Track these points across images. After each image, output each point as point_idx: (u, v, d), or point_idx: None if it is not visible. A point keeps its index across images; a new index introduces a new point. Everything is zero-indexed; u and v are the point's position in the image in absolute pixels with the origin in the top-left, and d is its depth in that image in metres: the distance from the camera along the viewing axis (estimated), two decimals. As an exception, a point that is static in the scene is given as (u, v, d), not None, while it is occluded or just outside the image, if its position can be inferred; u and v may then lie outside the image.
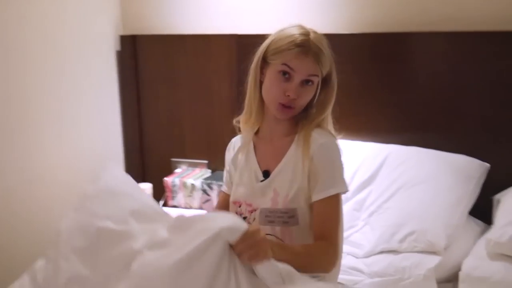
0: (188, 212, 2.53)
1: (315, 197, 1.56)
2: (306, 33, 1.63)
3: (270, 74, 1.64)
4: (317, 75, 1.61)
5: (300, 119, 1.67)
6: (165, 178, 2.65)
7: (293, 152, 1.64)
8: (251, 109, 1.74)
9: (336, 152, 1.63)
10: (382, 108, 2.42)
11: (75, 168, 2.57)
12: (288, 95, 1.58)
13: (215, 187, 2.54)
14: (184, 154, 2.83)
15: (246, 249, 1.32)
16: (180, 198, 2.63)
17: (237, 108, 2.66)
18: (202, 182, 2.57)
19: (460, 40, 2.28)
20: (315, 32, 1.65)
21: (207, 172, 2.72)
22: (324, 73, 1.64)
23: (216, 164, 2.77)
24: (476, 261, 1.87)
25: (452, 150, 2.27)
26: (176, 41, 2.74)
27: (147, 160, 2.92)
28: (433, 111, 2.35)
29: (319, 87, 1.64)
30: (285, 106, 1.61)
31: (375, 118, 2.46)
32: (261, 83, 1.70)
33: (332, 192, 1.56)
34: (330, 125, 1.70)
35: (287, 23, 2.48)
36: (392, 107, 2.41)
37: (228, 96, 2.68)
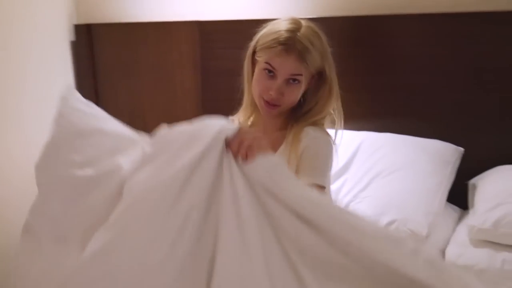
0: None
1: None
2: (293, 29, 1.59)
3: (257, 71, 1.64)
4: (301, 74, 1.59)
5: (293, 114, 1.66)
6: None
7: (283, 150, 1.61)
8: (245, 103, 1.75)
9: (325, 148, 1.60)
10: (355, 94, 2.33)
11: (26, 167, 2.39)
12: (271, 93, 1.59)
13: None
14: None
15: (243, 144, 1.22)
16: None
17: (202, 99, 2.57)
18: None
19: (434, 23, 2.22)
20: (308, 27, 1.62)
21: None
22: (313, 70, 1.62)
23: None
24: (460, 249, 1.83)
25: (426, 135, 2.23)
26: (135, 30, 2.60)
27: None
28: (407, 96, 2.30)
29: (310, 83, 1.64)
30: (270, 104, 1.61)
31: (348, 104, 2.35)
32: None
33: (307, 181, 1.47)
34: (327, 124, 1.68)
35: (252, 9, 2.40)
36: (365, 92, 2.34)
37: (192, 87, 2.56)
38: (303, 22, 1.63)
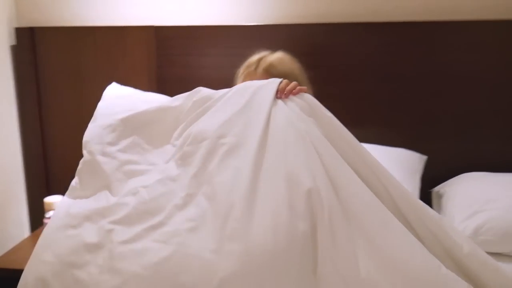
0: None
1: None
2: (261, 56, 1.87)
3: None
4: None
5: None
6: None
7: None
8: None
9: None
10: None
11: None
12: None
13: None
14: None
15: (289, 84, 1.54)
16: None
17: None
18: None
19: (395, 31, 2.23)
20: (276, 53, 1.88)
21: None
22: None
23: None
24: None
25: (389, 144, 2.23)
26: (84, 34, 2.44)
27: (52, 169, 2.58)
28: (369, 104, 2.29)
29: None
30: None
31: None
32: None
33: None
34: None
35: (212, 15, 2.34)
36: (327, 100, 2.30)
37: (147, 93, 2.44)
38: (277, 52, 1.89)
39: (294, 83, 1.57)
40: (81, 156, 2.51)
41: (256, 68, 1.83)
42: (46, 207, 2.28)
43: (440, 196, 2.13)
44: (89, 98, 2.48)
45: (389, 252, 1.27)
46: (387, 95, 2.28)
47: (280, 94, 1.54)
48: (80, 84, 2.48)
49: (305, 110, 1.53)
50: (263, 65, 1.83)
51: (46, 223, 2.20)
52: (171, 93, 2.42)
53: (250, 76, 1.82)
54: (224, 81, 2.24)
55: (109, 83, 2.46)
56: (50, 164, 2.58)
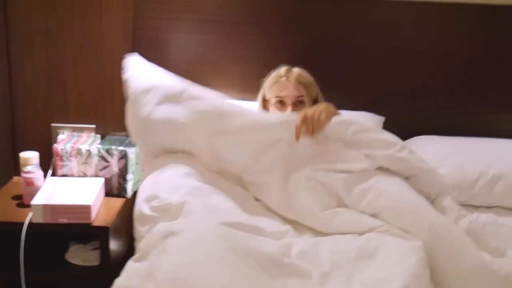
0: (82, 181, 2.33)
1: None
2: (288, 69, 2.21)
3: (271, 108, 2.17)
4: (303, 95, 2.13)
5: None
6: (55, 145, 2.39)
7: None
8: None
9: None
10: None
11: None
12: None
13: (115, 152, 2.36)
14: (67, 118, 2.58)
15: (307, 119, 1.86)
16: (72, 166, 2.40)
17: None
18: (100, 148, 2.38)
19: (355, 7, 2.46)
20: (298, 68, 2.21)
21: (97, 138, 2.52)
22: (313, 94, 2.18)
23: (105, 129, 2.59)
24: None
25: (352, 109, 2.46)
26: (59, -7, 2.47)
27: (21, 126, 2.59)
28: (334, 74, 2.50)
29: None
30: None
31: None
32: None
33: None
34: None
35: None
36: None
37: (122, 56, 2.49)
38: (296, 67, 2.22)
39: (312, 112, 1.89)
40: (50, 115, 2.55)
41: (287, 78, 2.15)
42: (22, 162, 2.31)
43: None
44: (63, 57, 2.52)
45: None
46: (350, 66, 2.51)
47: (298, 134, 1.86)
48: (53, 44, 2.51)
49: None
50: (293, 75, 2.16)
51: (24, 177, 2.24)
52: (146, 56, 2.52)
53: (284, 85, 2.14)
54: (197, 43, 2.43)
55: (84, 44, 2.52)
56: (19, 121, 2.58)
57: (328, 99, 2.31)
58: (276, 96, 2.15)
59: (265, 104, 2.24)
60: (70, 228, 2.14)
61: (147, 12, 2.47)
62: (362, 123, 1.92)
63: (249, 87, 2.45)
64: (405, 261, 1.53)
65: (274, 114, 2.05)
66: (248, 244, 1.56)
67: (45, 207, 2.10)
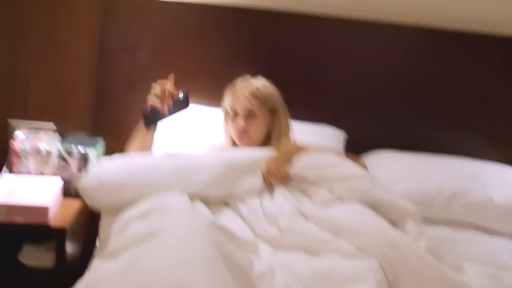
0: (39, 180, 2.27)
1: None
2: (247, 80, 2.25)
3: (227, 118, 2.26)
4: (252, 109, 2.18)
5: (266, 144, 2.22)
6: (13, 142, 2.32)
7: None
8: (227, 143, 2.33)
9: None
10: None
11: None
12: (237, 127, 2.19)
13: (75, 153, 2.32)
14: (26, 115, 2.51)
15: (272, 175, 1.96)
16: (30, 164, 2.33)
17: (98, 72, 2.48)
18: (60, 148, 2.33)
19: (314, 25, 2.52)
20: (261, 79, 2.27)
21: (56, 137, 2.46)
22: (269, 107, 2.22)
23: (65, 128, 2.52)
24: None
25: (314, 121, 2.51)
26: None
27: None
28: (298, 88, 2.54)
29: (269, 120, 2.23)
30: (241, 133, 2.19)
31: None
32: None
33: None
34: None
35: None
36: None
37: (89, 57, 2.47)
38: (258, 77, 2.27)
39: (275, 167, 1.98)
40: (7, 109, 2.47)
41: (242, 90, 2.20)
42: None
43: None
44: (26, 55, 2.47)
45: None
46: (314, 80, 2.56)
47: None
48: (17, 41, 2.44)
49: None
50: (248, 87, 2.20)
51: None
52: (115, 58, 2.50)
53: (237, 96, 2.20)
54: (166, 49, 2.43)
55: (50, 43, 2.46)
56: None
57: (291, 110, 2.35)
58: (230, 107, 2.22)
59: (227, 113, 2.28)
60: (26, 228, 2.08)
61: (117, 14, 2.45)
62: (324, 159, 2.01)
63: (215, 94, 2.45)
64: (364, 284, 1.52)
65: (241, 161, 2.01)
66: (227, 249, 1.51)
67: (1, 206, 2.04)
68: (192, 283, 1.27)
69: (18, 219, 2.06)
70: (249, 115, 2.19)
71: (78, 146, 2.32)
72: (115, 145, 2.54)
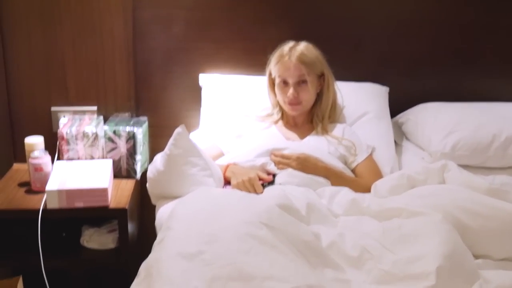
0: (90, 164, 2.28)
1: (358, 160, 2.14)
2: (292, 45, 2.18)
3: (276, 88, 2.20)
4: (304, 75, 2.12)
5: (314, 111, 2.24)
6: (60, 129, 2.32)
7: (314, 136, 2.21)
8: (272, 109, 2.30)
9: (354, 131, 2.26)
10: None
11: None
12: (289, 96, 2.13)
13: (123, 133, 2.32)
14: (67, 101, 2.51)
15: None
16: (79, 149, 2.34)
17: (134, 50, 2.46)
18: (107, 130, 2.33)
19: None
20: (304, 43, 2.19)
21: (100, 119, 2.46)
22: (317, 71, 2.17)
23: (108, 110, 2.53)
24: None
25: (356, 80, 2.49)
26: (55, -27, 2.38)
27: (19, 111, 2.49)
28: (338, 45, 2.49)
29: (320, 85, 2.20)
30: (292, 104, 2.16)
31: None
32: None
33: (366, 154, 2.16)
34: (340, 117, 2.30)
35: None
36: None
37: (122, 36, 2.43)
38: (302, 42, 2.19)
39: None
40: (50, 99, 2.47)
41: (290, 57, 2.13)
42: (27, 147, 2.24)
43: (400, 124, 2.46)
44: (60, 38, 2.44)
45: None
46: (353, 37, 2.52)
47: None
48: (50, 24, 2.41)
49: None
50: (295, 54, 2.13)
51: (32, 163, 2.17)
52: (148, 34, 2.48)
53: (286, 64, 2.13)
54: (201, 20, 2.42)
55: (83, 25, 2.44)
56: (15, 107, 2.49)
57: (334, 71, 2.33)
58: (279, 76, 2.17)
59: (272, 81, 2.24)
60: (86, 213, 2.10)
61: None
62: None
63: (253, 62, 2.44)
64: (437, 236, 1.52)
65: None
66: (291, 230, 1.54)
67: (60, 192, 2.05)
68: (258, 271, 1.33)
69: (79, 204, 2.07)
70: (300, 82, 2.15)
71: (125, 127, 2.32)
72: (159, 122, 2.55)
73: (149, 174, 2.00)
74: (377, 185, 1.93)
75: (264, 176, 1.99)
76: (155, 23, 2.45)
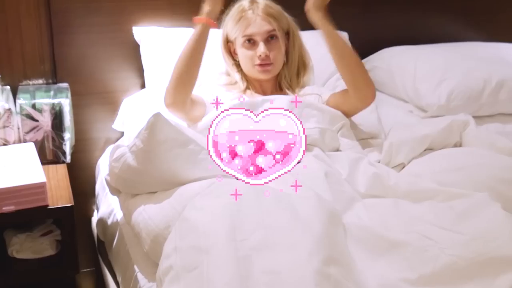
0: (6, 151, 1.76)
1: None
2: (251, 1, 1.87)
3: (239, 50, 1.88)
4: (274, 29, 1.85)
5: (282, 75, 1.93)
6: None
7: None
8: (234, 79, 1.93)
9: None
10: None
11: None
12: (260, 55, 1.83)
13: (45, 107, 1.82)
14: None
15: None
16: (-14, 133, 1.80)
17: (44, 14, 1.93)
18: (23, 104, 1.81)
19: None
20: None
21: (6, 90, 1.91)
22: (284, 26, 1.89)
23: (14, 78, 2.00)
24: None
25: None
26: None
27: None
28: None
29: (286, 44, 1.90)
30: (263, 65, 1.85)
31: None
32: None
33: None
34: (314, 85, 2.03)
35: None
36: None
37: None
38: None
39: None
40: None
41: (253, 11, 1.84)
42: None
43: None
44: None
45: None
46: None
47: None
48: None
49: None
50: (259, 6, 1.85)
51: None
52: None
53: (250, 20, 1.83)
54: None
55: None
56: None
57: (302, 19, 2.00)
58: (244, 35, 1.85)
59: (229, 47, 1.92)
60: (17, 217, 1.59)
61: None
62: None
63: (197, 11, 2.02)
64: (493, 213, 1.35)
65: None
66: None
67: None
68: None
69: (8, 207, 1.57)
70: (269, 38, 1.85)
71: (47, 99, 1.82)
72: (84, 89, 2.08)
73: (113, 169, 1.58)
74: (393, 144, 1.70)
75: None
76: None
